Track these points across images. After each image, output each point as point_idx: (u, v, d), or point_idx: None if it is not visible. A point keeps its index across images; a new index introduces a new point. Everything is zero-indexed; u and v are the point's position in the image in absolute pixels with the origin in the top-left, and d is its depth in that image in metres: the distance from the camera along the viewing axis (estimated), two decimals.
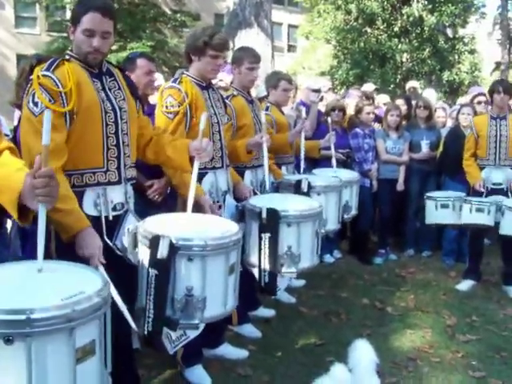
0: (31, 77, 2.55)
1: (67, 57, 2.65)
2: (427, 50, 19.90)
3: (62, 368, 1.54)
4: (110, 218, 2.64)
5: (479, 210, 5.07)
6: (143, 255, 2.38)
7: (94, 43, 2.58)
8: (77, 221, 2.40)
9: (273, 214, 3.05)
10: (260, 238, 3.06)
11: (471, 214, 5.13)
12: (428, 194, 5.75)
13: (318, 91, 6.17)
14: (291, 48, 31.58)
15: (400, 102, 7.13)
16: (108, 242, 2.59)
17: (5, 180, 1.99)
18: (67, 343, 1.53)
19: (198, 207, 3.09)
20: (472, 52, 21.67)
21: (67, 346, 1.53)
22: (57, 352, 1.52)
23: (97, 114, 2.61)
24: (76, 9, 2.65)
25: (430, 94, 8.19)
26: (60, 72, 2.54)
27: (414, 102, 7.09)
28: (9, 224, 3.80)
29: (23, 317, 1.46)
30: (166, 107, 3.29)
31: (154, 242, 2.26)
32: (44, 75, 2.51)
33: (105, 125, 2.64)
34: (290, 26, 30.95)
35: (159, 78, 5.08)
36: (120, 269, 2.43)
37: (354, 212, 4.62)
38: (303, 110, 5.10)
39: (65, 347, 1.53)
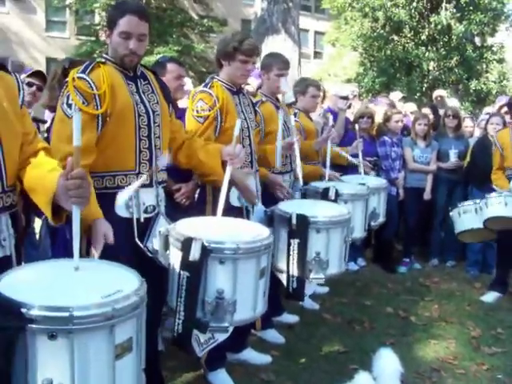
0: (67, 79, 2.59)
1: (103, 60, 2.69)
2: (455, 58, 19.72)
3: (102, 363, 1.57)
4: (142, 220, 2.67)
5: (497, 203, 4.97)
6: (175, 257, 2.40)
7: (130, 45, 2.62)
8: (90, 213, 2.32)
9: (302, 219, 3.05)
10: (289, 244, 3.05)
11: (488, 209, 5.03)
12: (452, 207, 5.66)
13: (345, 98, 6.16)
14: (317, 55, 31.56)
15: (426, 110, 7.09)
16: (139, 243, 2.62)
17: (40, 180, 2.03)
18: (108, 340, 1.57)
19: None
20: (500, 61, 21.35)
21: (107, 342, 1.57)
22: (97, 348, 1.56)
23: (130, 117, 2.64)
24: (112, 12, 2.69)
25: (454, 104, 8.11)
26: (95, 74, 2.58)
27: (441, 111, 7.04)
28: (36, 224, 3.86)
29: (66, 314, 1.50)
30: (197, 111, 3.29)
31: (186, 244, 2.27)
32: (79, 77, 2.55)
33: (138, 127, 2.67)
34: (316, 32, 30.94)
35: (188, 83, 5.11)
36: (150, 270, 2.44)
37: (381, 219, 4.60)
38: (330, 117, 5.08)
39: (105, 344, 1.57)
